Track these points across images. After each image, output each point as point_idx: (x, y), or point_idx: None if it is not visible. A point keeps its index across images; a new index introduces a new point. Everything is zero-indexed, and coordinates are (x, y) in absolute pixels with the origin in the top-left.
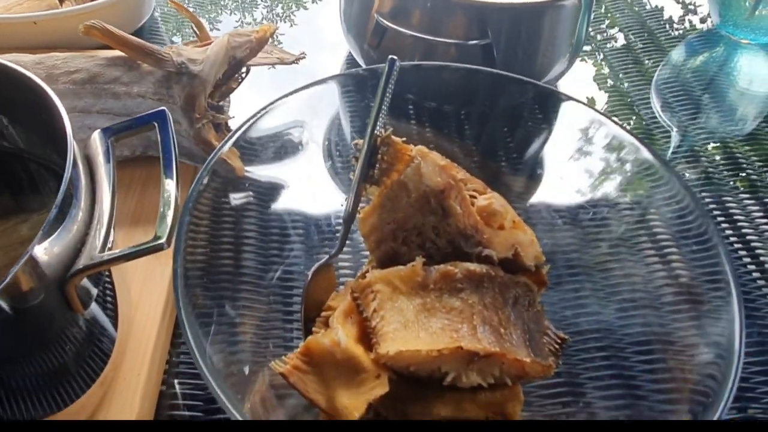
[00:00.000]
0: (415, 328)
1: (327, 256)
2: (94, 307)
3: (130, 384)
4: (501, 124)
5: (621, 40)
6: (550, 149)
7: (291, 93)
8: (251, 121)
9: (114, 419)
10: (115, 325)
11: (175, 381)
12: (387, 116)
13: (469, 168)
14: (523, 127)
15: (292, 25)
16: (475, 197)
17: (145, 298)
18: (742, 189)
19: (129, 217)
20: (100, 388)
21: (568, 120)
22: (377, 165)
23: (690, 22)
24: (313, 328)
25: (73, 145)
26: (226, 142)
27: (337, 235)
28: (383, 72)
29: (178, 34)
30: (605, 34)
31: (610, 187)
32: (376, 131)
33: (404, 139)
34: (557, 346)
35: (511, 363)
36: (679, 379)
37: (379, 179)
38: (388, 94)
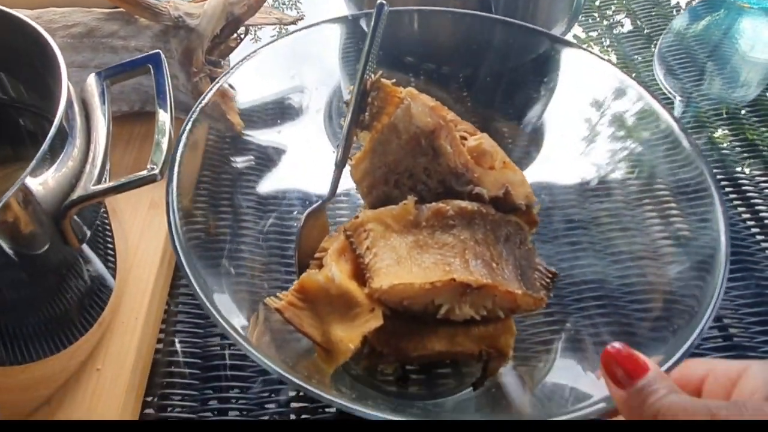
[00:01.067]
0: (408, 263)
1: (320, 201)
2: (93, 250)
3: (128, 327)
4: (502, 77)
5: (622, 7)
6: (553, 105)
7: (283, 36)
8: (245, 60)
9: (111, 360)
10: (114, 271)
11: (175, 339)
12: (384, 71)
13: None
14: (526, 80)
15: None
16: (465, 138)
17: (144, 248)
18: (746, 155)
19: (128, 171)
20: (98, 329)
21: (573, 73)
22: (368, 109)
23: None
24: (308, 270)
25: (68, 86)
26: (223, 76)
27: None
28: (372, 16)
29: None
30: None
31: (610, 144)
32: (366, 76)
33: (394, 81)
34: (548, 281)
35: (504, 295)
36: (675, 328)
37: (370, 124)
38: (377, 40)
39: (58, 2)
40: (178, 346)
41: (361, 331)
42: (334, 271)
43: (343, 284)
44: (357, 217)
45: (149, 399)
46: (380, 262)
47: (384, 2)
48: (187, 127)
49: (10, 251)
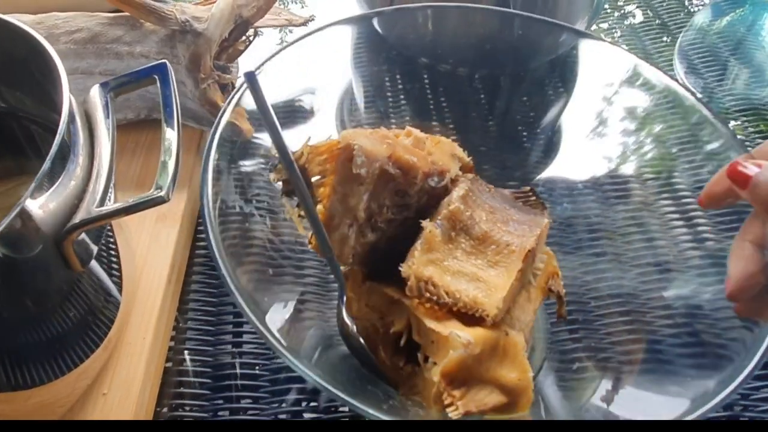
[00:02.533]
0: (484, 273)
1: (338, 303)
2: (97, 269)
3: (135, 348)
4: (521, 82)
5: (642, 3)
6: (572, 105)
7: (295, 41)
8: (264, 64)
9: (118, 384)
10: (119, 288)
11: (188, 347)
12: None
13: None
14: (545, 79)
15: None
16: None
17: (151, 262)
18: None
19: (134, 181)
20: (104, 351)
21: (595, 69)
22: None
23: None
24: (400, 364)
25: (70, 99)
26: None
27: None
28: (253, 92)
29: None
30: None
31: (635, 145)
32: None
33: (328, 137)
34: (533, 198)
35: (545, 232)
36: (705, 343)
37: (316, 194)
38: (269, 109)
39: (61, 7)
40: (188, 362)
41: (522, 356)
42: (462, 334)
43: (478, 339)
44: (350, 302)
45: (160, 415)
46: (469, 293)
47: (252, 70)
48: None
49: (10, 275)
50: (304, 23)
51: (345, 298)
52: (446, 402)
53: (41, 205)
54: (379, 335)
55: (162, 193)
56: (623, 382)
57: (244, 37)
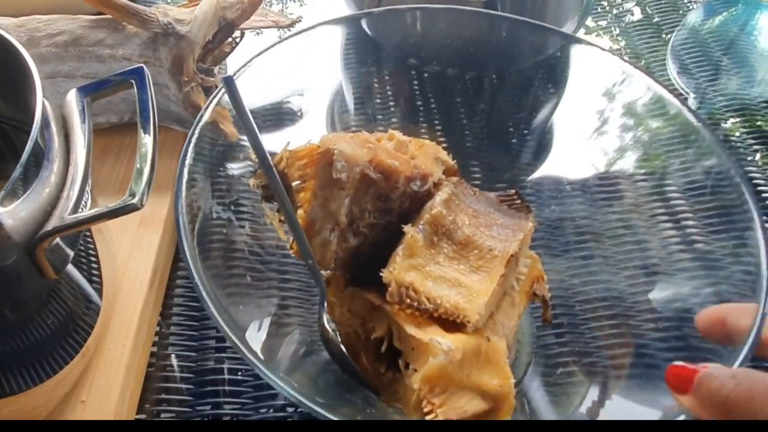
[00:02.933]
0: (466, 278)
1: (318, 309)
2: (75, 275)
3: (114, 354)
4: (510, 84)
5: (636, 1)
6: (562, 107)
7: (281, 41)
8: (246, 66)
9: (97, 391)
10: (99, 294)
11: (171, 353)
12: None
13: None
14: (534, 81)
15: None
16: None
17: (132, 267)
18: (763, 154)
19: (117, 186)
20: (82, 359)
21: (584, 72)
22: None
23: None
24: (381, 370)
25: (43, 104)
26: (218, 93)
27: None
28: (231, 97)
29: None
30: None
31: (623, 148)
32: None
33: (308, 142)
34: (519, 201)
35: (528, 236)
36: (692, 347)
37: (296, 199)
38: (247, 113)
39: (42, 9)
40: (171, 368)
41: (503, 362)
42: (444, 341)
43: (458, 344)
44: (332, 308)
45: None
46: (451, 299)
47: (231, 75)
48: (184, 170)
49: None
50: (291, 25)
51: (326, 304)
52: (426, 409)
53: (11, 213)
54: (360, 341)
55: (135, 200)
56: (610, 387)
57: (230, 39)
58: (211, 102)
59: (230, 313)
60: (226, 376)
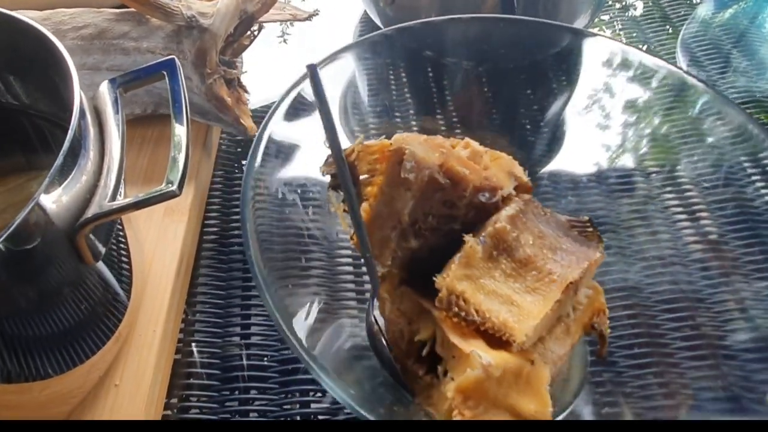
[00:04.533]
0: (519, 297)
1: (370, 305)
2: (108, 263)
3: (145, 340)
4: (523, 77)
5: None
6: (575, 99)
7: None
8: (282, 103)
9: (129, 375)
10: (129, 282)
11: (193, 345)
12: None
13: (491, 125)
14: (548, 74)
15: None
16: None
17: (159, 256)
18: None
19: (141, 176)
20: (115, 343)
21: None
22: (358, 181)
23: None
24: (420, 373)
25: (80, 95)
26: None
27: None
28: (313, 84)
29: None
30: None
31: (637, 137)
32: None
33: (383, 137)
34: (590, 229)
35: (594, 266)
36: (706, 335)
37: (362, 193)
38: (326, 102)
39: (66, 3)
40: (197, 354)
41: (544, 389)
42: (484, 355)
43: (499, 362)
44: (383, 298)
45: (169, 405)
46: (500, 315)
47: (313, 63)
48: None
49: (24, 269)
50: (309, 18)
51: (376, 298)
52: (456, 417)
53: (55, 200)
54: (404, 341)
55: (173, 188)
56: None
57: (248, 32)
58: (293, 87)
59: (281, 297)
60: (252, 362)
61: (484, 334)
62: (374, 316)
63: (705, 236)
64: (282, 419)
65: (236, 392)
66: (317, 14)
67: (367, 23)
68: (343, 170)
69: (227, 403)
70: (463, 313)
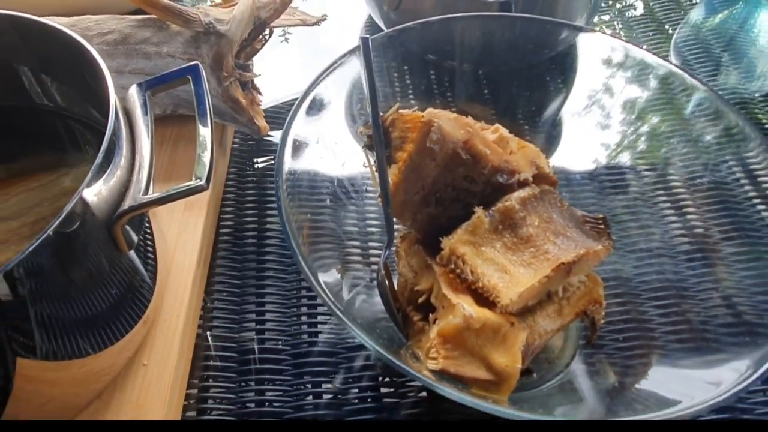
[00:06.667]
0: (513, 268)
1: (383, 254)
2: (137, 253)
3: (170, 324)
4: (524, 77)
5: (639, 1)
6: (572, 98)
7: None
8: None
9: (156, 356)
10: (154, 271)
11: (208, 333)
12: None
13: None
14: (546, 73)
15: None
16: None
17: (181, 248)
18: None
19: (162, 174)
20: (143, 326)
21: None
22: (389, 144)
23: None
24: (415, 318)
25: (114, 98)
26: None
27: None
28: (361, 54)
29: None
30: None
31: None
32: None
33: (415, 108)
34: (602, 226)
35: (592, 257)
36: (691, 321)
37: (393, 156)
38: (372, 73)
39: (90, 10)
40: (215, 340)
41: (517, 348)
42: (468, 308)
43: (480, 316)
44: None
45: (191, 385)
46: (492, 278)
47: (367, 36)
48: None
49: (69, 256)
50: (317, 23)
51: (389, 249)
52: (432, 355)
53: (96, 193)
54: (407, 290)
55: (202, 182)
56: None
57: (260, 37)
58: (312, 87)
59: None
60: (266, 346)
61: (474, 292)
62: (382, 264)
63: (691, 230)
64: (286, 418)
65: (252, 374)
66: (325, 19)
67: (372, 27)
68: (377, 131)
69: (243, 384)
70: (458, 271)
